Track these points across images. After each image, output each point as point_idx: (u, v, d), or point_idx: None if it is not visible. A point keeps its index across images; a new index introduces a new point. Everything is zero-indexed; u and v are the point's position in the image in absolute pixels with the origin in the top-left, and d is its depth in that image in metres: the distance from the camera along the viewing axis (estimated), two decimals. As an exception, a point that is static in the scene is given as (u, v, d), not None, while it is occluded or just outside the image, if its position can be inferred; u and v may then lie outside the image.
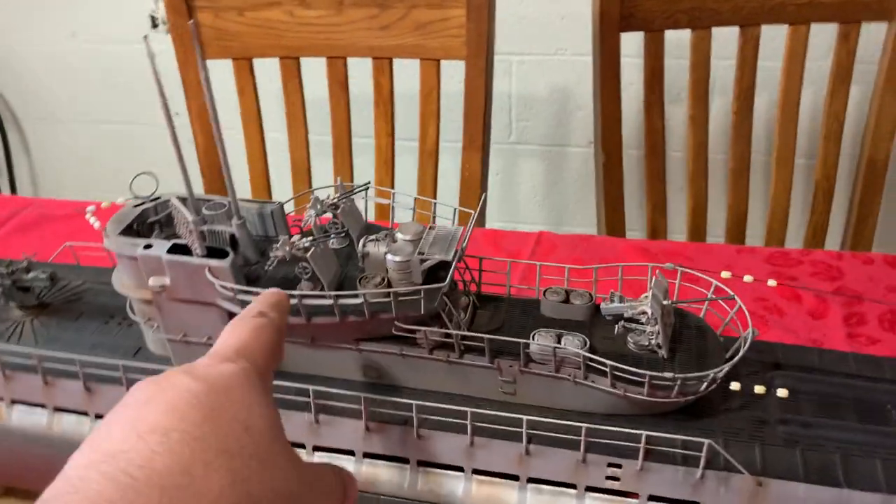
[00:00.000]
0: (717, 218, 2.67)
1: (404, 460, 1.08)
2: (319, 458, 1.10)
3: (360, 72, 2.37)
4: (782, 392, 1.00)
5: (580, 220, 3.21)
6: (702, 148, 2.34)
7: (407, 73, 2.34)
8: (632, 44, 2.25)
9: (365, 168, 2.54)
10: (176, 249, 1.06)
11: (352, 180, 2.50)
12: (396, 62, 2.29)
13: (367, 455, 1.09)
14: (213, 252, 1.05)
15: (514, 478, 1.04)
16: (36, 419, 1.20)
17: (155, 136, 3.53)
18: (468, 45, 2.18)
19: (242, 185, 2.66)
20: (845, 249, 2.39)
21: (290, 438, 1.11)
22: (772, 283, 1.10)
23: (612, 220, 2.44)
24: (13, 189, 3.76)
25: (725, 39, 2.24)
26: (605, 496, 1.02)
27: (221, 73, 2.41)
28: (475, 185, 2.34)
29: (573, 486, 1.02)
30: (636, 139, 2.67)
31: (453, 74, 2.31)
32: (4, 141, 3.63)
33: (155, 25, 3.22)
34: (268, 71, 2.44)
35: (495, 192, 3.23)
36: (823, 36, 2.23)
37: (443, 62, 2.25)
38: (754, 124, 2.31)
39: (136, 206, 1.17)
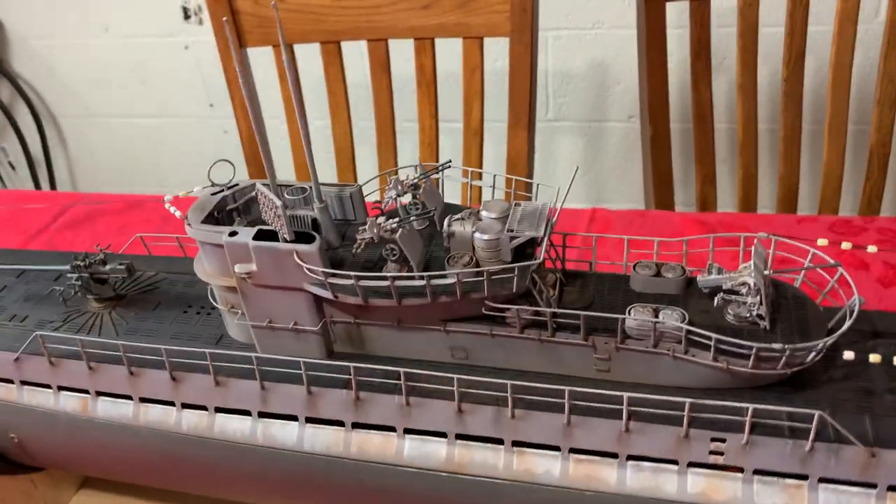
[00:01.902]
0: (766, 189, 2.62)
1: (498, 441, 1.06)
2: (410, 441, 1.09)
3: (401, 55, 2.34)
4: (899, 358, 0.97)
5: (621, 196, 3.17)
6: (751, 116, 2.29)
7: (449, 54, 2.31)
8: (671, 15, 2.20)
9: (409, 152, 2.52)
10: (262, 235, 1.05)
11: (396, 164, 2.48)
12: (438, 42, 2.26)
13: (459, 437, 1.08)
14: (300, 237, 1.04)
15: (613, 456, 1.03)
16: (122, 410, 1.20)
17: (187, 127, 3.53)
18: (512, 20, 2.14)
19: (286, 171, 2.66)
20: (903, 216, 2.34)
21: (379, 422, 1.11)
22: (872, 248, 1.07)
23: (661, 193, 2.40)
24: (52, 184, 3.78)
25: (772, 5, 2.19)
26: (709, 471, 1.00)
27: (263, 60, 2.40)
28: (521, 163, 2.31)
29: (674, 462, 1.01)
30: (679, 112, 2.63)
31: (494, 54, 2.28)
32: (42, 137, 3.64)
33: (187, 17, 3.21)
34: (309, 56, 2.42)
35: (534, 171, 3.20)
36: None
37: (486, 40, 2.21)
38: (804, 93, 2.26)
39: (213, 193, 1.16)
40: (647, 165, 2.42)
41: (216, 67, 2.46)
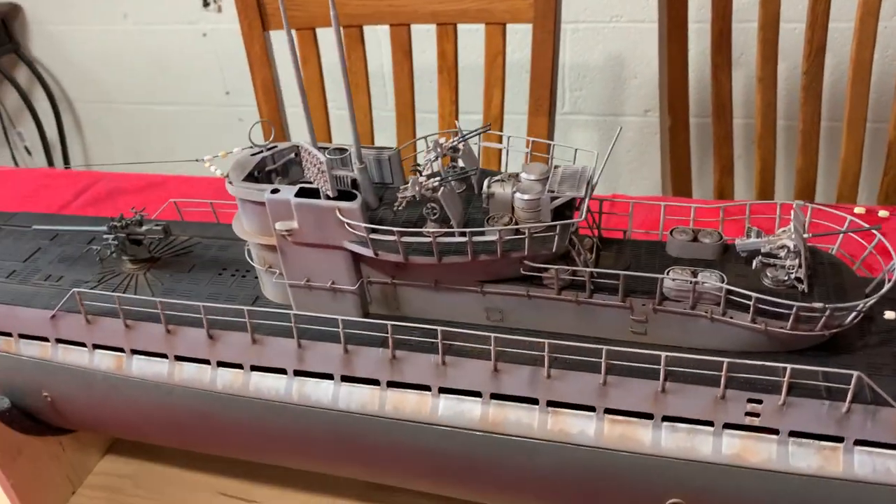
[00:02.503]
0: (783, 183, 2.64)
1: (533, 401, 1.07)
2: (445, 400, 1.10)
3: (421, 45, 2.36)
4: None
5: (636, 189, 3.18)
6: (770, 108, 2.31)
7: (471, 42, 2.32)
8: (691, 9, 2.22)
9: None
10: (304, 193, 1.06)
11: (415, 152, 2.49)
12: (461, 31, 2.27)
13: (494, 396, 1.09)
14: (341, 195, 1.05)
15: (649, 416, 1.03)
16: (157, 368, 1.21)
17: (203, 115, 3.54)
18: (536, 6, 2.16)
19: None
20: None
21: (414, 381, 1.12)
22: (908, 217, 1.08)
23: (679, 184, 2.41)
24: (67, 168, 3.80)
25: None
26: (744, 433, 1.00)
27: (283, 46, 2.41)
28: (541, 150, 2.32)
29: (710, 424, 1.01)
30: (697, 105, 2.64)
31: (514, 44, 2.29)
32: (59, 122, 3.66)
33: (206, 4, 3.23)
34: (328, 42, 2.44)
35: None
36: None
37: (508, 28, 2.23)
38: (823, 89, 2.27)
39: (253, 154, 1.17)
40: (665, 156, 2.43)
41: (234, 55, 2.48)
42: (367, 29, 2.34)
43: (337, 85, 2.45)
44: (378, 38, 2.38)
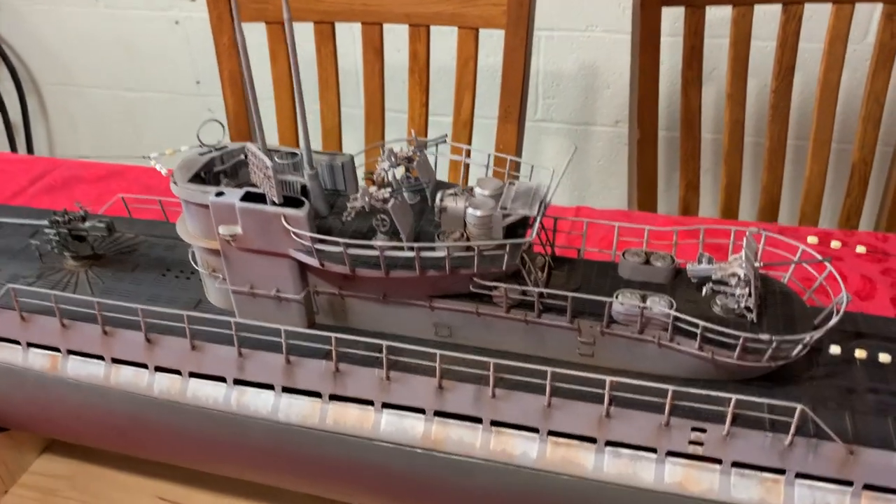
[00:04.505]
0: (748, 200, 2.64)
1: (477, 420, 1.05)
2: (388, 416, 1.08)
3: (393, 44, 2.33)
4: (885, 357, 0.98)
5: (604, 200, 3.18)
6: (738, 125, 2.31)
7: (442, 47, 2.29)
8: (665, 23, 2.22)
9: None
10: (249, 197, 1.03)
11: (374, 158, 2.46)
12: (433, 34, 2.25)
13: (438, 413, 1.06)
14: (289, 201, 1.02)
15: (592, 440, 1.02)
16: (93, 370, 1.17)
17: (172, 103, 3.48)
18: (509, 13, 2.14)
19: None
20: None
21: (358, 395, 1.09)
22: (861, 249, 1.08)
23: (644, 197, 2.41)
24: (30, 152, 3.70)
25: (764, 18, 2.21)
26: (687, 461, 0.99)
27: (254, 37, 2.36)
28: (503, 163, 2.31)
29: (653, 451, 1.00)
30: (666, 119, 2.64)
31: (487, 49, 2.27)
32: (23, 103, 3.56)
33: (179, -9, 3.16)
34: (301, 36, 2.40)
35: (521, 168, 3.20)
36: (863, 15, 2.20)
37: (481, 33, 2.21)
38: (791, 108, 2.28)
39: (202, 154, 1.13)
40: (633, 169, 2.43)
41: (206, 44, 2.43)
42: (340, 26, 2.30)
43: (309, 83, 2.41)
44: (353, 35, 2.34)
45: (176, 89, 3.42)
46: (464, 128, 2.32)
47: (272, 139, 2.48)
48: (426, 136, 2.39)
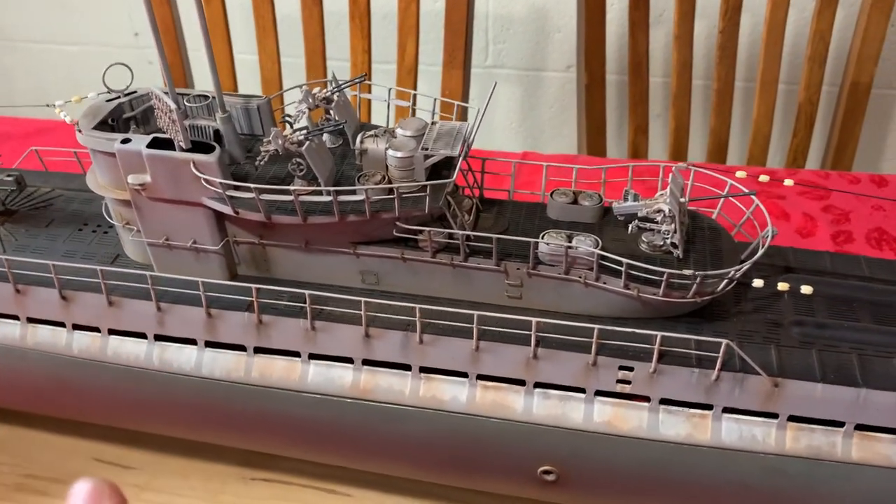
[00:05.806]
0: (697, 142, 2.63)
1: (405, 367, 1.03)
2: (315, 366, 1.05)
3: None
4: (806, 289, 0.97)
5: (555, 146, 3.14)
6: (686, 67, 2.28)
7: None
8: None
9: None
10: (157, 143, 0.98)
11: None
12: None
13: (366, 362, 1.04)
14: (198, 147, 0.97)
15: (521, 383, 1.01)
16: (7, 331, 1.12)
17: (110, 57, 3.34)
18: (450, -46, 2.07)
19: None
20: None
21: (284, 347, 1.06)
22: (789, 182, 1.06)
23: (594, 142, 2.39)
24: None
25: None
26: (615, 400, 0.99)
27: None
28: (449, 109, 2.26)
29: (582, 391, 0.99)
30: (615, 63, 2.60)
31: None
32: (-50, 60, 3.40)
33: (109, -64, 3.02)
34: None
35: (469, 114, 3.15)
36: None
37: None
38: (738, 49, 2.26)
39: (109, 100, 1.07)
40: (582, 114, 2.39)
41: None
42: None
43: (246, 28, 2.32)
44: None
45: (113, 42, 3.29)
46: (408, 74, 2.26)
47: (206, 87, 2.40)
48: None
